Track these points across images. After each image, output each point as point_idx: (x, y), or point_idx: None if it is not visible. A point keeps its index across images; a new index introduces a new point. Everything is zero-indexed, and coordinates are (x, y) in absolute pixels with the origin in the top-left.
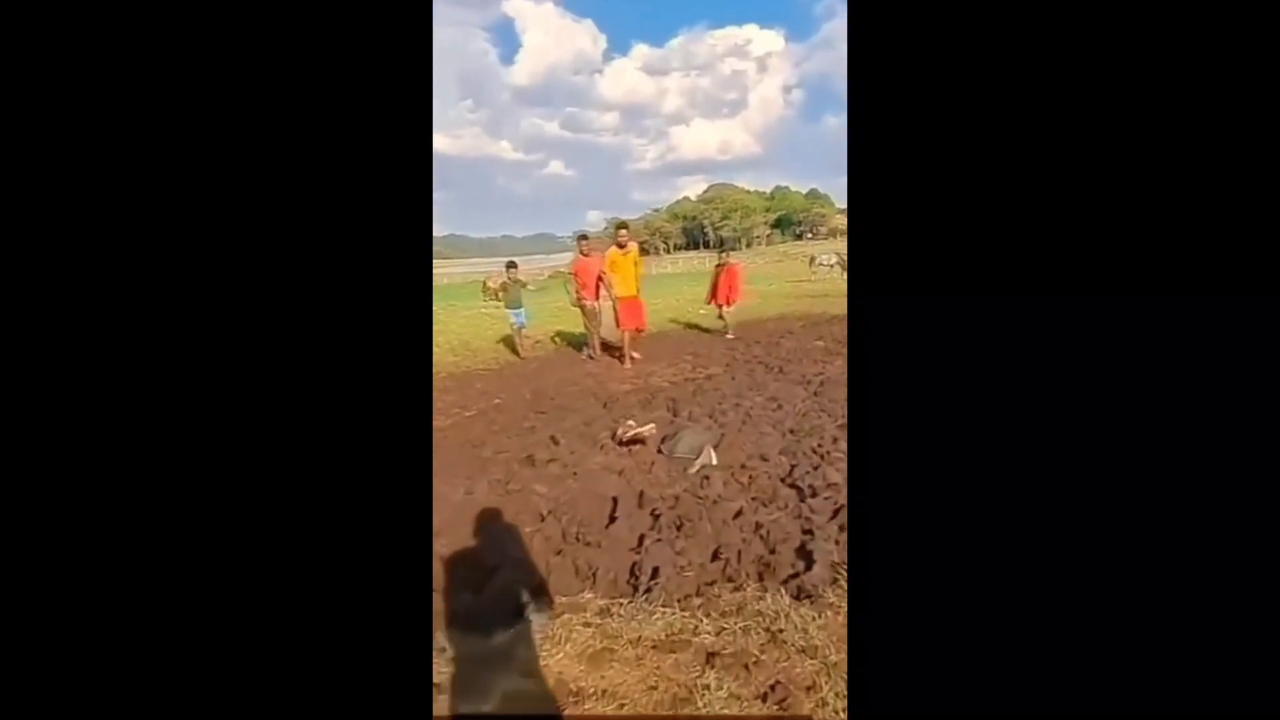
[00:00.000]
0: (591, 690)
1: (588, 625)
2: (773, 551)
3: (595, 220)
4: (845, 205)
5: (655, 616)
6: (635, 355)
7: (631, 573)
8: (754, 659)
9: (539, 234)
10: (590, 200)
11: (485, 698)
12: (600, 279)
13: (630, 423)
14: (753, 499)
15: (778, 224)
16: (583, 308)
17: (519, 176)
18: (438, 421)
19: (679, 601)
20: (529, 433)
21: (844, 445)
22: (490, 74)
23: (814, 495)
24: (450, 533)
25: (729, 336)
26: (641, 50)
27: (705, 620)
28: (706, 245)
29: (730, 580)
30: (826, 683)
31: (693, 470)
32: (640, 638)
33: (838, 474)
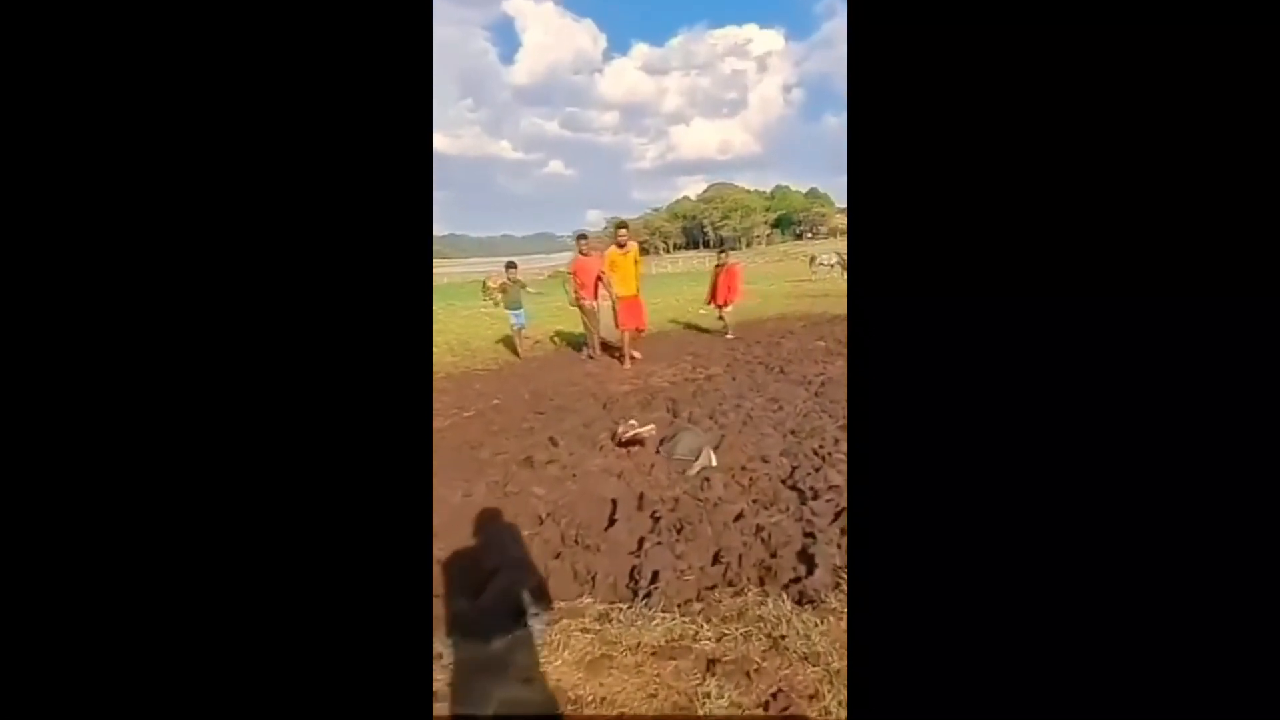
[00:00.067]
0: (590, 698)
1: (586, 631)
2: (774, 555)
3: (595, 220)
4: (845, 205)
5: (655, 622)
6: (635, 355)
7: (631, 577)
8: (755, 666)
9: (539, 233)
10: (590, 200)
11: (482, 706)
12: (600, 278)
13: (632, 422)
14: (753, 501)
15: (778, 223)
16: (581, 307)
17: (519, 176)
18: (436, 422)
19: (679, 606)
20: (527, 434)
21: (845, 447)
22: (490, 73)
23: (815, 498)
24: (448, 536)
25: (729, 337)
26: (641, 50)
27: (706, 626)
28: (706, 245)
29: (731, 585)
30: (829, 691)
31: (692, 472)
32: (640, 644)
33: (839, 476)
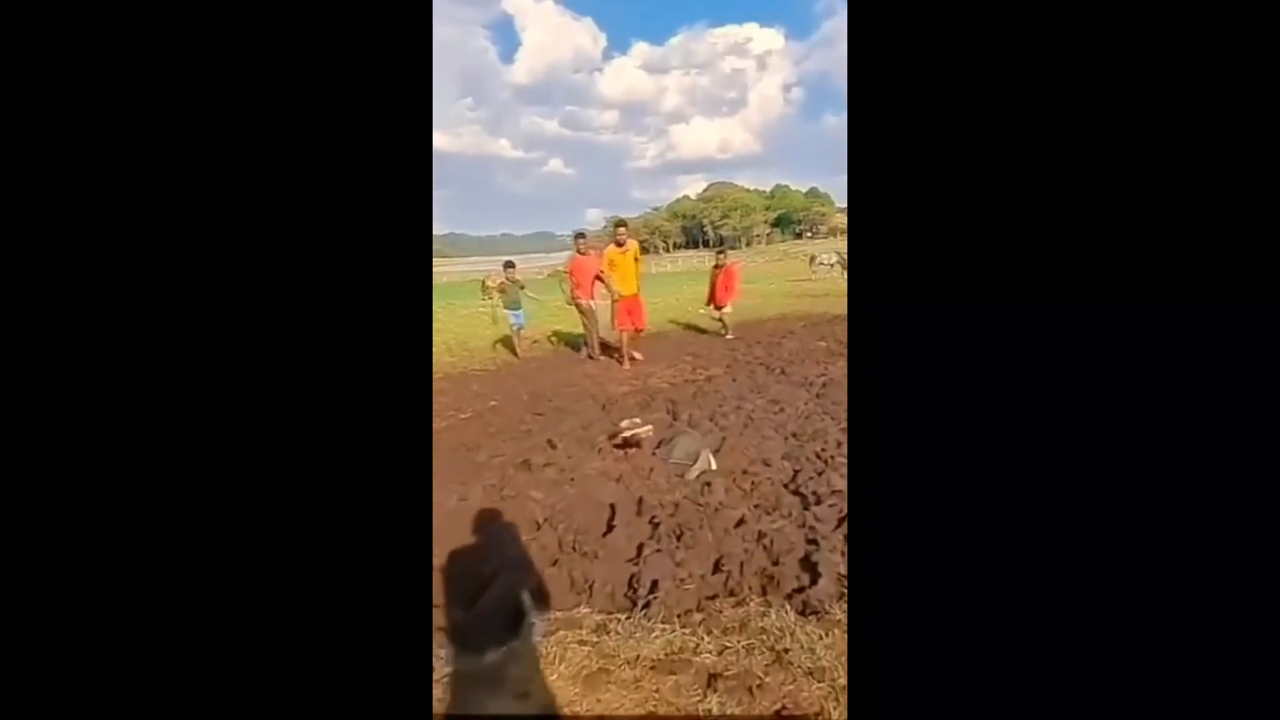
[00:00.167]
0: (587, 714)
1: (583, 643)
2: (776, 563)
3: (595, 219)
4: (845, 204)
5: (654, 634)
6: (637, 357)
7: (629, 585)
8: (758, 681)
9: (538, 232)
10: (590, 198)
11: None
12: (598, 277)
13: (634, 420)
14: (755, 506)
15: (778, 222)
16: (579, 306)
17: (519, 175)
18: (433, 424)
19: (679, 617)
20: (525, 436)
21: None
22: (490, 72)
23: (818, 503)
24: (442, 541)
25: (729, 337)
26: (641, 48)
27: (706, 638)
28: (706, 244)
29: (732, 594)
30: (835, 708)
31: (692, 476)
32: (638, 657)
33: (842, 480)
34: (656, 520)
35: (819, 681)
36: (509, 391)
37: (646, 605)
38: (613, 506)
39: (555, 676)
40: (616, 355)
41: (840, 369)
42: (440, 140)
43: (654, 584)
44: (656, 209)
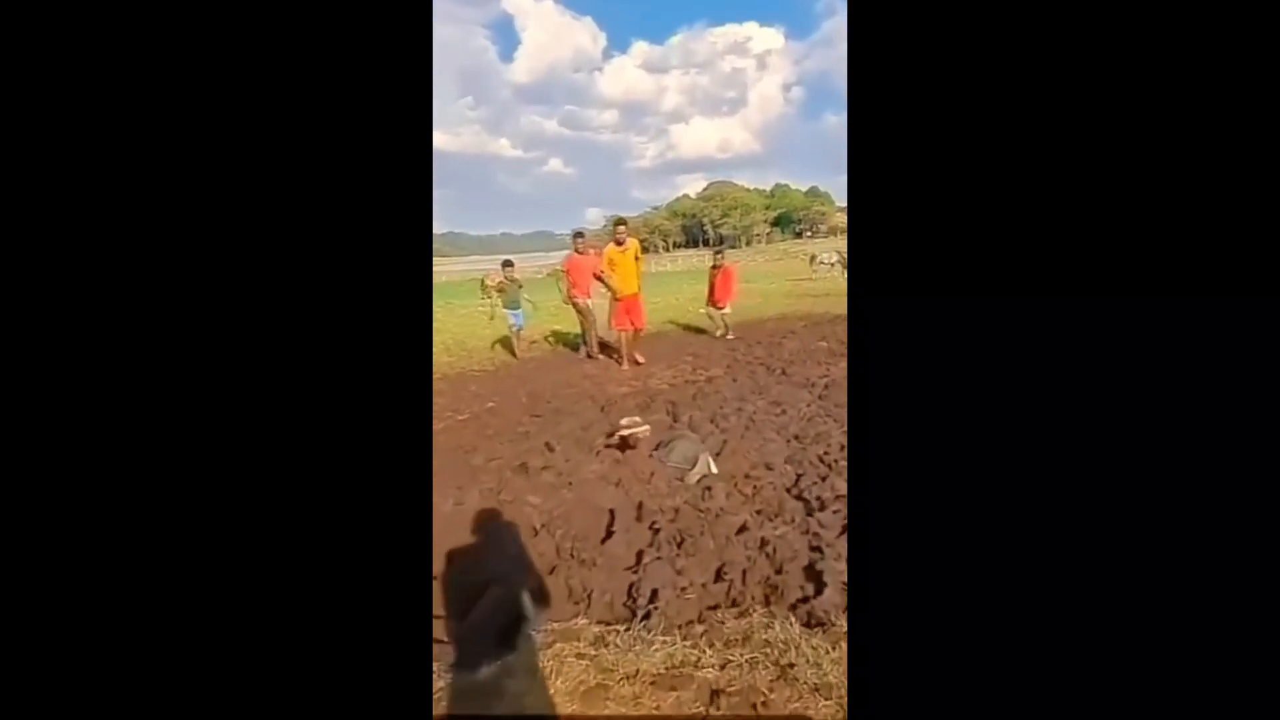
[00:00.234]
0: None
1: (581, 657)
2: (779, 571)
3: (595, 218)
4: (845, 203)
5: (654, 647)
6: (639, 360)
7: (629, 594)
8: (762, 698)
9: (538, 231)
10: (590, 198)
11: None
12: (597, 277)
13: (634, 419)
14: (757, 512)
15: (777, 222)
16: (576, 305)
17: (518, 174)
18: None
19: (680, 629)
20: (523, 438)
21: None
22: (490, 71)
23: (822, 508)
24: (439, 547)
25: (730, 338)
26: (641, 48)
27: (709, 651)
28: (706, 243)
29: (735, 604)
30: None
31: (692, 481)
32: (638, 671)
33: (846, 485)
34: (657, 526)
35: (826, 699)
36: (507, 392)
37: (646, 616)
38: (612, 512)
39: (552, 692)
40: (616, 356)
41: (841, 369)
42: (440, 139)
43: (654, 593)
44: (656, 208)
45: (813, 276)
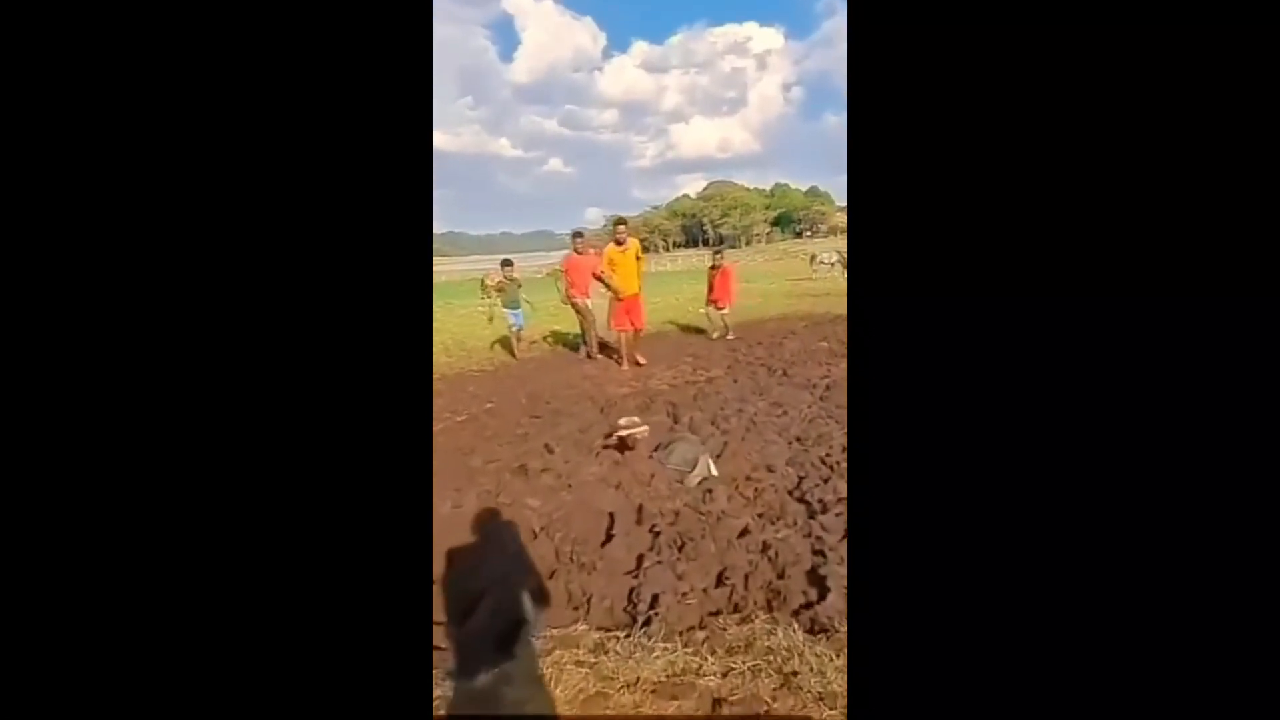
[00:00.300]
0: None
1: (580, 664)
2: (781, 576)
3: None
4: (845, 203)
5: (655, 654)
6: (641, 361)
7: (629, 599)
8: (766, 707)
9: (538, 231)
10: (590, 198)
11: None
12: (598, 277)
13: (633, 419)
14: (759, 515)
15: (777, 221)
16: (574, 305)
17: (518, 174)
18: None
19: (681, 635)
20: (522, 440)
21: None
22: (490, 71)
23: (824, 511)
24: (436, 550)
25: (730, 338)
26: (641, 48)
27: (710, 659)
28: (706, 243)
29: (736, 609)
30: None
31: (692, 483)
32: (638, 679)
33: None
34: (657, 529)
35: (830, 708)
36: (506, 393)
37: (647, 622)
38: (611, 515)
39: (551, 700)
40: (616, 356)
41: (843, 370)
42: (440, 139)
43: (655, 598)
44: (656, 208)
45: (813, 276)
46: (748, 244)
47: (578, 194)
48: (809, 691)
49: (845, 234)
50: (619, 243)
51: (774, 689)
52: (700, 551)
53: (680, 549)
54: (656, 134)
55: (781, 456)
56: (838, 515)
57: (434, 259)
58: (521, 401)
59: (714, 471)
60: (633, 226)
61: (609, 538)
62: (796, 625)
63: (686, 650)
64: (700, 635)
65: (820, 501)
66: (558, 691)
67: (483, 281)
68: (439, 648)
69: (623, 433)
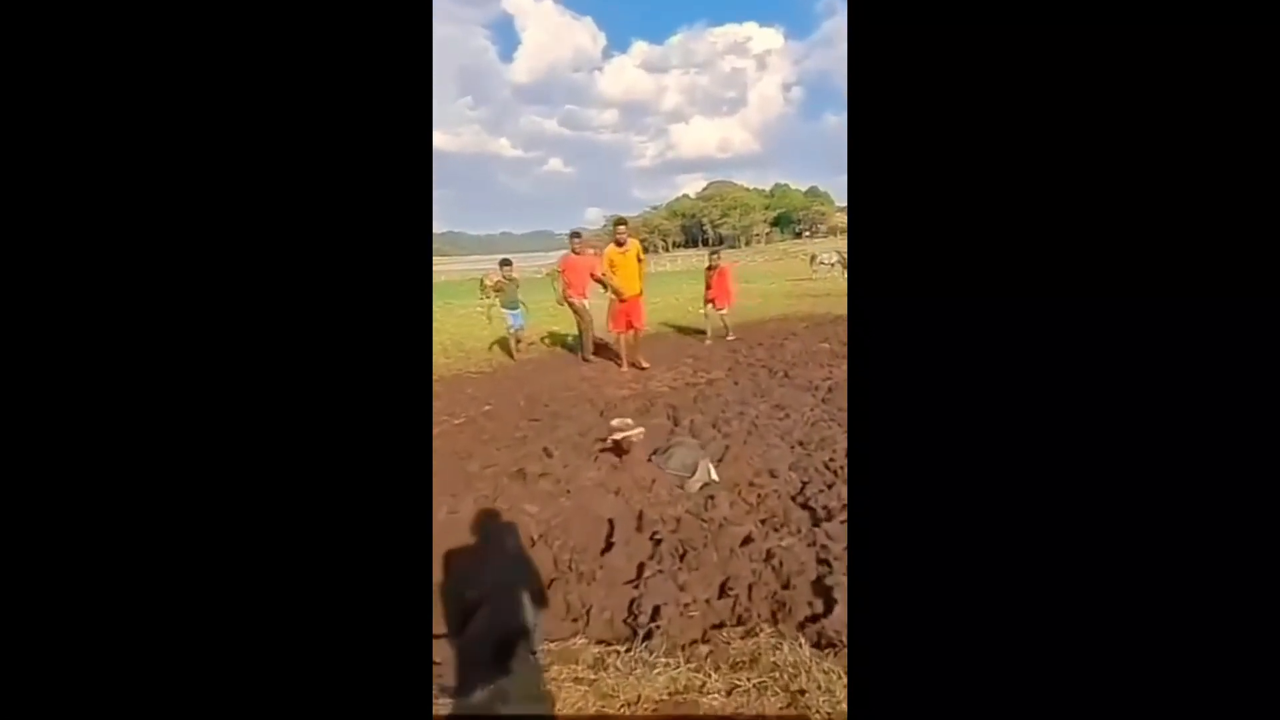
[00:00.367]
0: None
1: (579, 681)
2: (786, 586)
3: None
4: (845, 203)
5: (656, 670)
6: (643, 364)
7: (629, 610)
8: None
9: (538, 231)
10: (590, 198)
11: None
12: (596, 278)
13: (625, 420)
14: (762, 522)
15: (777, 222)
16: (572, 305)
17: (518, 174)
18: None
19: (683, 649)
20: (520, 444)
21: None
22: (490, 71)
23: (829, 518)
24: (432, 556)
25: (730, 339)
26: (641, 48)
27: (714, 675)
28: (705, 243)
29: (741, 622)
30: None
31: (694, 489)
32: (639, 698)
33: None
34: (658, 537)
35: None
36: (504, 395)
37: (648, 635)
38: (611, 522)
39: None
40: (616, 359)
41: (845, 371)
42: (440, 139)
43: (656, 610)
44: (656, 208)
45: (813, 276)
46: (747, 244)
47: (577, 194)
48: (818, 711)
49: (845, 234)
50: (619, 243)
51: (781, 708)
52: (702, 560)
53: (682, 558)
54: (656, 134)
55: (784, 461)
56: (843, 522)
57: (434, 259)
58: (519, 404)
59: (714, 476)
60: (632, 226)
61: (609, 545)
62: (803, 639)
63: (689, 666)
64: (703, 650)
65: (825, 508)
66: (556, 710)
67: (481, 281)
68: (435, 663)
69: (616, 435)
